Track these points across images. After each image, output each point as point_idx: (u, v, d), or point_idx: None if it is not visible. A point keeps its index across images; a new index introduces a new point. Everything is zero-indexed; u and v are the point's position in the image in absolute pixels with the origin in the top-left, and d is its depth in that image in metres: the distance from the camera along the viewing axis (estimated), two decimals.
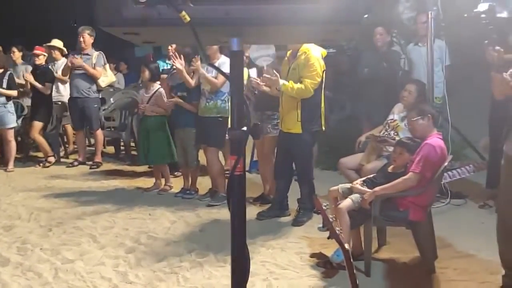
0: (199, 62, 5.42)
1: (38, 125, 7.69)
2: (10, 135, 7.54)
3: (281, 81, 4.69)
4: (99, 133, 7.82)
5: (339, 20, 1.40)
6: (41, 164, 7.73)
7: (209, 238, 4.52)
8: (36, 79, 7.66)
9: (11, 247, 4.36)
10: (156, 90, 6.08)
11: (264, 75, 4.82)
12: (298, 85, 4.63)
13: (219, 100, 5.51)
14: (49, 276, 3.77)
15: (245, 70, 5.32)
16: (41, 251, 4.25)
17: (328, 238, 4.08)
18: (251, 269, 1.64)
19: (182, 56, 5.64)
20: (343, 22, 1.41)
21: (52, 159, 7.80)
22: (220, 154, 5.96)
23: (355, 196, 3.79)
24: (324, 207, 1.88)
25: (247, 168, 5.19)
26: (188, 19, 1.34)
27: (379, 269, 3.79)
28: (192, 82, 5.68)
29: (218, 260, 3.99)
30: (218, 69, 1.91)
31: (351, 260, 1.90)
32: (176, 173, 6.65)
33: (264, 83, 4.96)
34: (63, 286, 3.61)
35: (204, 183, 6.11)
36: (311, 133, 4.83)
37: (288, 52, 4.93)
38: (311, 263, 3.91)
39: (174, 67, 5.81)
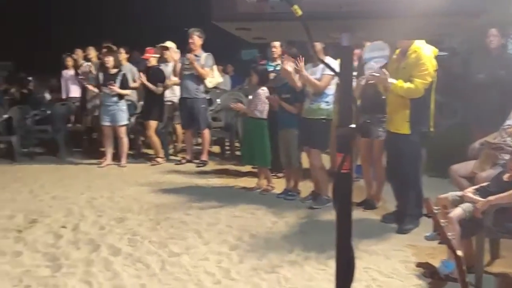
0: (302, 63, 5.39)
1: (153, 124, 8.09)
2: (122, 132, 7.98)
3: (390, 80, 4.55)
4: (207, 132, 8.05)
5: (457, 12, 1.33)
6: (153, 161, 8.09)
7: (310, 239, 4.49)
8: (148, 80, 8.06)
9: (122, 238, 4.61)
10: (256, 92, 6.16)
11: (372, 73, 4.70)
12: (408, 85, 4.46)
13: (323, 103, 5.46)
14: (157, 268, 3.94)
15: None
16: (149, 244, 4.45)
17: (439, 243, 3.92)
18: None
19: (293, 58, 5.61)
20: (462, 14, 1.34)
21: (161, 160, 8.12)
22: (325, 157, 5.88)
23: (466, 205, 3.58)
24: (435, 211, 1.79)
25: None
26: (300, 12, 1.33)
27: (491, 283, 3.56)
28: (299, 83, 5.66)
29: (319, 262, 3.95)
30: (328, 65, 1.88)
31: (463, 267, 1.79)
32: (278, 174, 6.68)
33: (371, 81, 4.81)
34: (169, 278, 3.75)
35: (306, 185, 6.09)
36: (419, 134, 4.63)
37: (397, 51, 4.77)
38: (417, 273, 3.74)
39: (279, 68, 5.82)
